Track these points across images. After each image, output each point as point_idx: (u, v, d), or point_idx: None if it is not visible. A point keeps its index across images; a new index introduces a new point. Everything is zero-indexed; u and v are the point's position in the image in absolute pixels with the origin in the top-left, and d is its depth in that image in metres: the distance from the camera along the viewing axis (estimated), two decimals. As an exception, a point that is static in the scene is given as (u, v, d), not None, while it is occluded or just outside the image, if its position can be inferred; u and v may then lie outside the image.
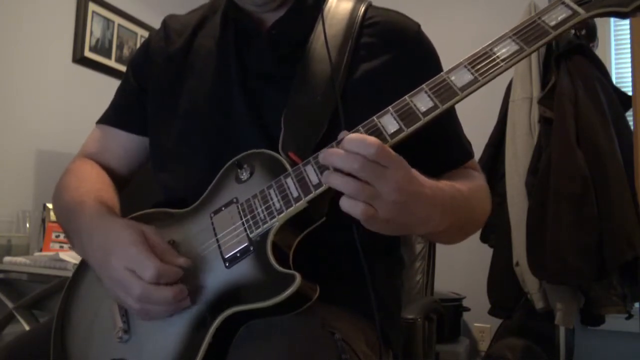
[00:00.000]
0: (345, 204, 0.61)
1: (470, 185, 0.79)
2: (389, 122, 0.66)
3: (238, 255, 0.70)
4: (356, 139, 0.61)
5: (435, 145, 0.85)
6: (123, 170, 0.98)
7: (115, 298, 0.72)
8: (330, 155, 0.62)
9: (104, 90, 2.39)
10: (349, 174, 0.61)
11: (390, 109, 0.67)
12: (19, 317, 1.75)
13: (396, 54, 0.84)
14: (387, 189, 0.60)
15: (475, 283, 2.41)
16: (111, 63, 2.54)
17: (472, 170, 0.89)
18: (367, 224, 0.63)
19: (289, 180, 0.69)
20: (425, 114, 0.66)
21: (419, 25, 0.89)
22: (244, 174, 0.75)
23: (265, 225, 0.69)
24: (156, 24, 1.00)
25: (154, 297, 0.67)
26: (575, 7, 0.66)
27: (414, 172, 0.64)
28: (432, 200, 0.66)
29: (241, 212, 0.72)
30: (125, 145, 0.97)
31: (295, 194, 0.68)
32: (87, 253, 0.77)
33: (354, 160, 0.60)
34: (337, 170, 0.62)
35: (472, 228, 0.85)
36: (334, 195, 0.64)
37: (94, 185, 0.87)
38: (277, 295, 0.64)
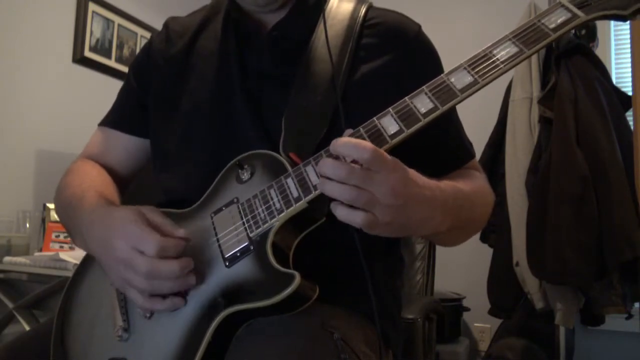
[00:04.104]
0: (343, 215, 0.62)
1: (472, 185, 0.79)
2: (389, 123, 0.67)
3: (238, 254, 0.70)
4: (349, 144, 0.61)
5: (437, 146, 0.85)
6: (124, 171, 0.98)
7: (122, 282, 0.71)
8: (324, 166, 0.62)
9: (104, 90, 2.40)
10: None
11: (391, 110, 0.67)
12: (19, 317, 1.75)
13: (397, 54, 0.84)
14: (382, 193, 0.61)
15: (475, 283, 2.42)
16: (111, 63, 2.54)
17: (473, 170, 0.89)
18: (368, 230, 0.63)
19: (290, 181, 0.70)
20: (425, 115, 0.66)
21: (419, 26, 0.89)
22: (245, 174, 0.75)
23: (265, 225, 0.70)
24: (156, 24, 1.00)
25: (161, 271, 0.67)
26: (574, 10, 0.67)
27: (412, 173, 0.64)
28: (432, 202, 0.66)
29: (242, 212, 0.73)
30: (126, 147, 0.97)
31: (295, 194, 0.68)
32: (89, 244, 0.77)
33: (345, 171, 0.60)
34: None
35: (473, 229, 0.85)
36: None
37: (94, 182, 0.88)
38: (277, 294, 0.65)
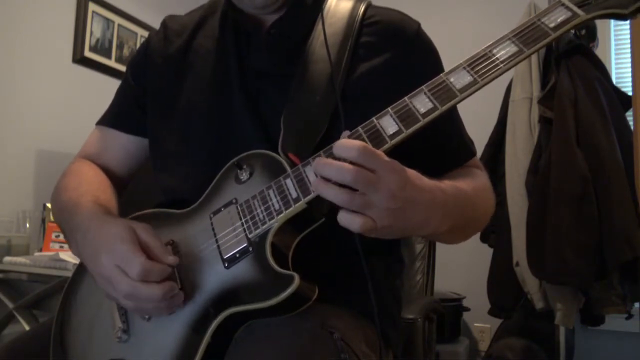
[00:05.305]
0: (343, 219, 0.61)
1: (473, 184, 0.79)
2: (389, 123, 0.66)
3: (237, 255, 0.70)
4: (340, 144, 0.61)
5: (437, 144, 0.84)
6: (122, 171, 0.98)
7: (107, 295, 0.72)
8: (320, 165, 0.62)
9: (104, 90, 2.39)
10: (342, 185, 0.61)
11: (390, 110, 0.67)
12: (19, 317, 1.75)
13: (396, 52, 0.84)
14: (379, 196, 0.60)
15: (475, 283, 2.41)
16: (111, 63, 2.54)
17: (475, 168, 0.88)
18: (366, 234, 0.63)
19: (288, 181, 0.69)
20: (424, 115, 0.65)
21: (419, 24, 0.88)
22: (244, 174, 0.75)
23: (264, 226, 0.69)
24: (156, 24, 1.00)
25: (141, 295, 0.67)
26: (574, 8, 0.66)
27: (411, 174, 0.63)
28: (431, 203, 0.65)
29: (240, 213, 0.72)
30: (124, 146, 0.97)
31: (294, 195, 0.68)
32: (81, 253, 0.77)
33: (342, 170, 0.60)
34: (329, 180, 0.61)
35: (475, 227, 0.84)
36: None
37: (91, 186, 0.87)
38: (276, 295, 0.65)
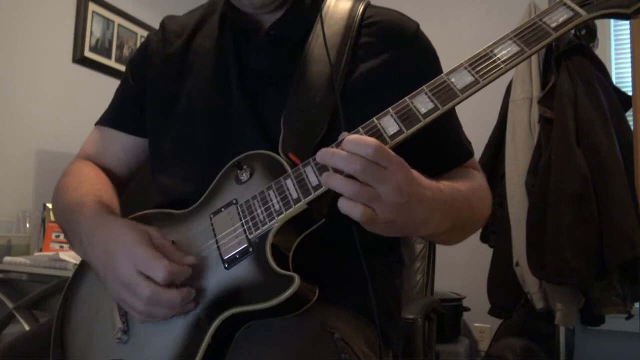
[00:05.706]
0: (344, 206, 0.61)
1: (470, 184, 0.79)
2: (389, 124, 0.66)
3: (237, 256, 0.70)
4: (355, 140, 0.61)
5: (435, 145, 0.84)
6: (122, 171, 0.97)
7: (118, 300, 0.71)
8: (331, 156, 0.62)
9: (104, 90, 2.39)
10: (349, 176, 0.61)
11: (390, 110, 0.67)
12: (19, 317, 1.75)
13: (395, 53, 0.84)
14: (387, 190, 0.60)
15: (475, 283, 2.41)
16: (111, 63, 2.54)
17: (472, 169, 0.88)
18: (366, 226, 0.63)
19: (289, 182, 0.69)
20: (425, 115, 0.65)
21: (417, 25, 0.88)
22: (244, 175, 0.75)
23: (264, 227, 0.69)
24: (156, 24, 1.00)
25: (163, 299, 0.66)
26: (576, 8, 0.66)
27: (415, 173, 0.64)
28: (432, 202, 0.65)
29: (241, 213, 0.72)
30: (124, 146, 0.96)
31: (294, 196, 0.68)
32: (87, 254, 0.76)
33: (355, 161, 0.60)
34: (337, 171, 0.62)
35: (472, 228, 0.84)
36: (333, 196, 0.64)
37: (93, 186, 0.87)
38: (276, 297, 0.64)
